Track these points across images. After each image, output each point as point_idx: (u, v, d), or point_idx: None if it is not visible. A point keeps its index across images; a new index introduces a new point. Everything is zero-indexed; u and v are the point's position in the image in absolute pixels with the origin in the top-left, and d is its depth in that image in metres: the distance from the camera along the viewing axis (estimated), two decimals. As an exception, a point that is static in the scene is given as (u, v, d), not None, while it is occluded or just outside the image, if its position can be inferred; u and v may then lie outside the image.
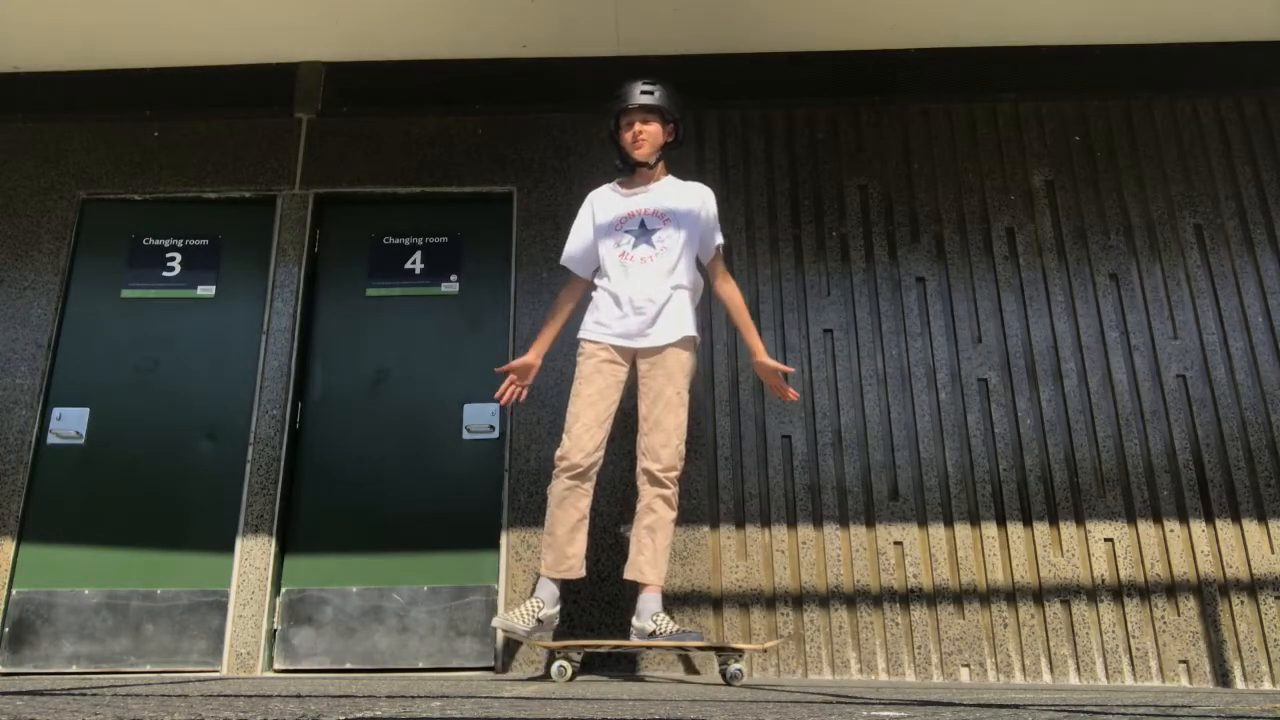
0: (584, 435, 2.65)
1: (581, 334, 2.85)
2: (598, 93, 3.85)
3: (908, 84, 3.90)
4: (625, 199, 2.93)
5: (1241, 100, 3.83)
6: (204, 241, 3.73)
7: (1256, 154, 3.74)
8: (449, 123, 3.86)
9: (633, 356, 2.81)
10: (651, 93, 2.84)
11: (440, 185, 3.76)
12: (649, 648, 2.79)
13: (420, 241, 3.74)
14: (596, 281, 2.90)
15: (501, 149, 3.81)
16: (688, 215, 2.87)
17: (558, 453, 2.68)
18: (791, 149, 3.81)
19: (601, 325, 2.80)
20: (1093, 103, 3.84)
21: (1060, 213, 3.68)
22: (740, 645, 2.57)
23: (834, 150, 3.80)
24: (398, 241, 3.74)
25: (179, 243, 3.72)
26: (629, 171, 2.96)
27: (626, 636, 3.09)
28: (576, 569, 2.64)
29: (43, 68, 3.96)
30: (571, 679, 2.52)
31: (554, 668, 2.54)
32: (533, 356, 2.94)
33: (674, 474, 2.67)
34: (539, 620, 2.57)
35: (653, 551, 2.63)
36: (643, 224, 2.86)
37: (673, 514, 2.68)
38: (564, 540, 2.62)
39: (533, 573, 3.21)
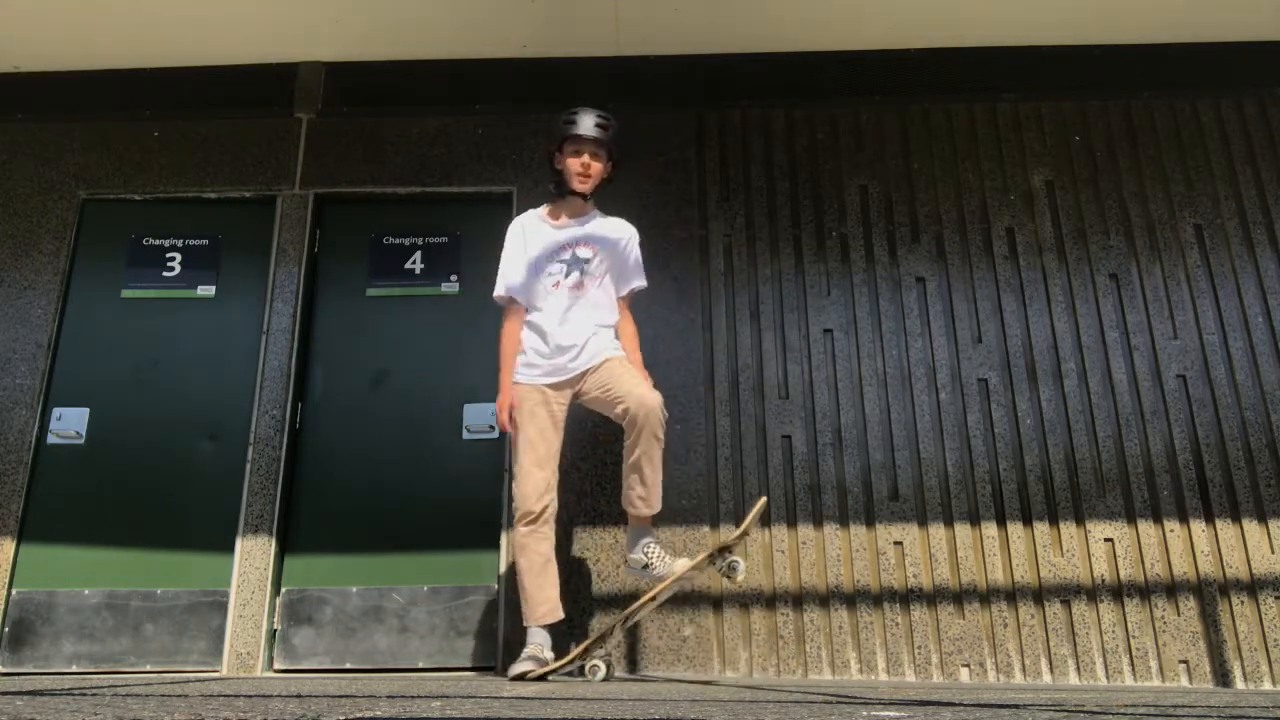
0: (529, 483, 2.62)
1: (514, 378, 2.77)
2: (598, 93, 3.85)
3: (908, 84, 3.90)
4: (556, 229, 2.87)
5: (1241, 100, 3.83)
6: (204, 241, 3.73)
7: (1256, 154, 3.74)
8: (449, 123, 3.86)
9: (566, 386, 2.76)
10: (606, 128, 2.80)
11: (440, 185, 3.76)
12: (651, 600, 2.67)
13: (420, 241, 3.74)
14: (528, 317, 2.81)
15: (501, 149, 3.81)
16: (615, 250, 2.87)
17: (513, 504, 2.65)
18: (791, 149, 3.81)
19: (531, 368, 2.75)
20: (1093, 103, 3.84)
21: (1060, 213, 3.68)
22: (727, 541, 2.67)
23: (834, 150, 3.80)
24: (398, 241, 3.74)
25: (179, 243, 3.72)
26: (560, 196, 2.90)
27: (630, 633, 3.09)
28: (556, 612, 2.63)
29: (43, 68, 3.96)
30: (607, 678, 2.52)
31: (587, 666, 2.53)
32: (509, 393, 2.78)
33: (658, 407, 2.60)
34: (549, 657, 2.60)
35: (642, 487, 2.64)
36: (575, 255, 2.82)
37: (660, 445, 2.63)
38: (534, 589, 2.61)
39: (533, 573, 3.20)
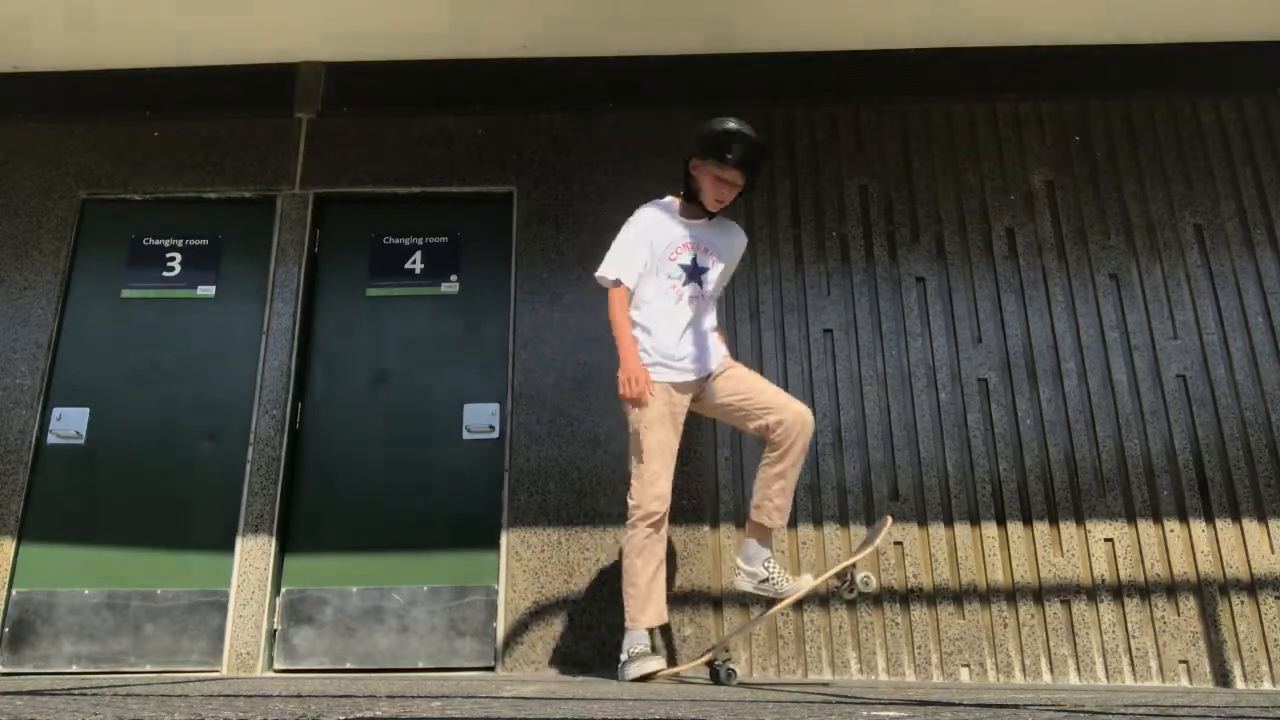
0: (659, 486, 2.62)
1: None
2: (598, 93, 3.85)
3: (908, 84, 3.90)
4: (682, 225, 2.79)
5: (1241, 100, 3.82)
6: (204, 241, 3.73)
7: (1256, 154, 3.74)
8: (449, 123, 3.86)
9: (691, 388, 2.75)
10: (756, 163, 2.68)
11: (440, 185, 3.76)
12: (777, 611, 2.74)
13: (420, 241, 3.74)
14: (637, 314, 2.74)
15: (501, 149, 3.81)
16: (730, 260, 2.88)
17: (632, 501, 2.62)
18: (791, 149, 3.81)
19: (658, 367, 2.69)
20: (1093, 103, 3.84)
21: (1060, 213, 3.68)
22: (855, 559, 2.64)
23: (834, 150, 3.80)
24: (398, 241, 3.74)
25: (179, 243, 3.72)
26: (689, 200, 2.81)
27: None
28: (664, 614, 2.65)
29: (43, 68, 3.96)
30: (737, 681, 2.55)
31: (723, 671, 2.55)
32: (637, 365, 2.68)
33: (812, 421, 2.69)
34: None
35: (784, 497, 2.64)
36: (695, 263, 2.77)
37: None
38: (649, 591, 2.61)
39: (532, 572, 3.20)
